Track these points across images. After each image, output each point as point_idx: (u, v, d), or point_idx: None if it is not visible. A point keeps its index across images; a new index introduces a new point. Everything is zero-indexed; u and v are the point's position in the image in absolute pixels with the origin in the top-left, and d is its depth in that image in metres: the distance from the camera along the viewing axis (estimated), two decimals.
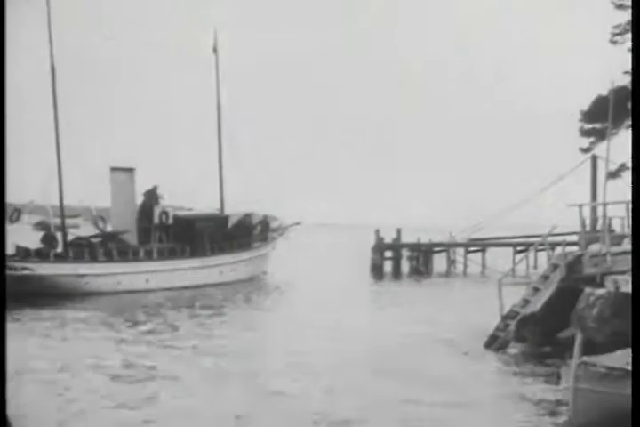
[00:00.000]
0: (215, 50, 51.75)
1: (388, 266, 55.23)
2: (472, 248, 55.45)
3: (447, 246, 55.50)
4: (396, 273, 54.25)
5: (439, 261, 55.13)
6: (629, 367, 14.42)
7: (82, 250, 42.23)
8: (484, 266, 53.81)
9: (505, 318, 23.92)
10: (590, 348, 20.97)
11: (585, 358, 14.52)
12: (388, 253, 55.65)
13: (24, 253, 40.86)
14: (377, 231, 55.10)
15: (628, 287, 20.72)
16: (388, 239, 55.37)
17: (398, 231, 55.78)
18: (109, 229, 45.73)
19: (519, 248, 52.00)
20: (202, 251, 46.42)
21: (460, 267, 54.54)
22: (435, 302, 38.08)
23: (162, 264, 44.05)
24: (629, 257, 22.35)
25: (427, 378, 19.97)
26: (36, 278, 39.22)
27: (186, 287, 42.97)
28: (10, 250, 39.14)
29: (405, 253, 55.57)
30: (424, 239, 55.32)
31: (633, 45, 13.72)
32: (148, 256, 43.97)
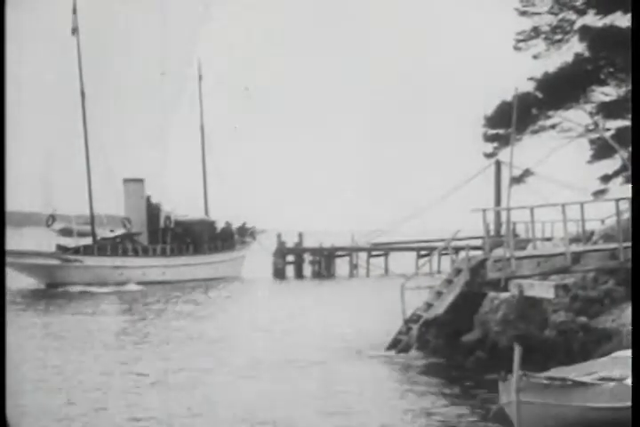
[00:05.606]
0: (200, 77, 60.15)
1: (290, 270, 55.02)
2: (375, 253, 55.39)
3: (350, 251, 55.36)
4: (299, 277, 54.02)
5: (342, 266, 54.90)
6: (577, 378, 13.94)
7: (115, 246, 49.83)
8: (386, 270, 53.81)
9: (407, 321, 23.74)
10: (494, 350, 20.96)
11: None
12: (291, 258, 55.39)
13: (74, 250, 48.77)
14: (278, 236, 54.91)
15: (531, 291, 20.71)
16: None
17: (300, 235, 55.59)
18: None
19: (422, 253, 52.09)
20: (201, 250, 54.23)
21: (362, 271, 54.37)
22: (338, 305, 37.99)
23: (174, 260, 51.96)
24: (535, 261, 22.42)
25: None
26: (84, 269, 47.48)
27: (193, 280, 50.52)
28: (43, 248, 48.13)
29: (308, 257, 55.28)
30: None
31: (633, 47, 13.52)
32: (163, 253, 51.75)
